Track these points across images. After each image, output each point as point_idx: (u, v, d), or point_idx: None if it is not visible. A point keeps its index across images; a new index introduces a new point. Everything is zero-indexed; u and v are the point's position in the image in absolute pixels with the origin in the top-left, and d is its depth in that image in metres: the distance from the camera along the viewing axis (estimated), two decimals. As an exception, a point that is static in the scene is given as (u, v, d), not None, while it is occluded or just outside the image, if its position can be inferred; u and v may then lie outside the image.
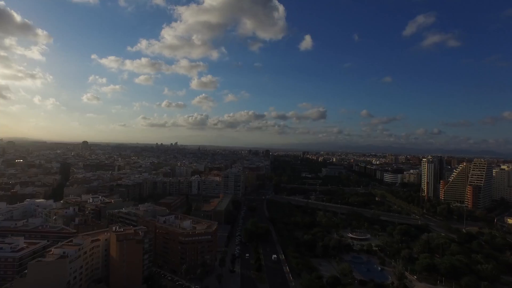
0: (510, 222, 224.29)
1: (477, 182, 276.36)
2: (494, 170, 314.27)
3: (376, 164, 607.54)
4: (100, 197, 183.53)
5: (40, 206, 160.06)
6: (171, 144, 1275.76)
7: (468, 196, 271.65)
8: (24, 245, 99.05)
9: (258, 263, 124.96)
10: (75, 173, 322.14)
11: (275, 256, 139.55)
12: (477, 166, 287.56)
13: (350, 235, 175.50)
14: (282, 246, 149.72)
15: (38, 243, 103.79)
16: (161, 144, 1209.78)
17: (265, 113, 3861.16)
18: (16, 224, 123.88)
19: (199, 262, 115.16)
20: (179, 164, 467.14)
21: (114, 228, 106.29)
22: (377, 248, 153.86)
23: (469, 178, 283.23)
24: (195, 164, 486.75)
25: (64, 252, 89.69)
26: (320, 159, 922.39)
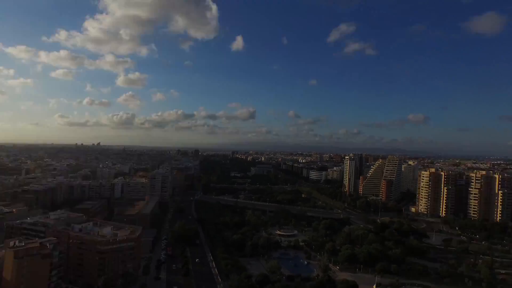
0: (413, 211, 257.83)
1: (390, 177, 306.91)
2: (403, 166, 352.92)
3: (303, 163, 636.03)
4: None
5: None
6: (93, 144, 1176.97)
7: (382, 189, 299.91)
8: None
9: (186, 267, 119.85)
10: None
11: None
12: (391, 162, 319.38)
13: (278, 232, 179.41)
14: (211, 247, 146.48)
15: None
16: (82, 144, 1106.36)
17: (195, 112, 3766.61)
18: None
19: (120, 272, 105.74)
20: (101, 166, 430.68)
21: (12, 243, 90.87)
22: (303, 243, 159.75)
23: (384, 174, 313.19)
24: (119, 165, 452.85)
25: None
26: (249, 158, 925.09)
